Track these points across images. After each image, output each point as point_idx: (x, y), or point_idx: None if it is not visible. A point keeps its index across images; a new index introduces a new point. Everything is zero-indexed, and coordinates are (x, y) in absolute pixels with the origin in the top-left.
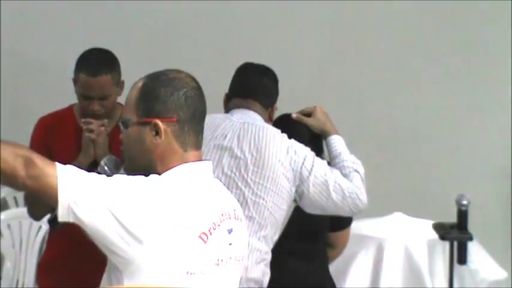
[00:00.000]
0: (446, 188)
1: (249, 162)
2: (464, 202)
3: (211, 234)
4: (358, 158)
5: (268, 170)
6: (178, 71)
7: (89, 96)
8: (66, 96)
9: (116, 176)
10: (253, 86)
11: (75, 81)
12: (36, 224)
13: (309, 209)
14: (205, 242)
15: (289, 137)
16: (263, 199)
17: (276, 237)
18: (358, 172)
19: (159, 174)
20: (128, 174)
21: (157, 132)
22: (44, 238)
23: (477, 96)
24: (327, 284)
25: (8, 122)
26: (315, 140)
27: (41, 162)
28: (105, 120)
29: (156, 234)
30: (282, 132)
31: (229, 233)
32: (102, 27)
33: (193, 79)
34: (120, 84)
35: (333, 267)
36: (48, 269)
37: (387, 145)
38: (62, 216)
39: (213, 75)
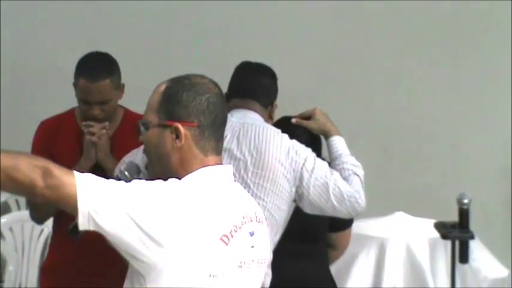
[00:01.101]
0: (448, 187)
1: (248, 163)
2: (466, 201)
3: (232, 236)
4: (359, 158)
5: (268, 170)
6: (202, 76)
7: (88, 101)
8: (66, 99)
9: (134, 181)
10: (252, 86)
11: (75, 85)
12: (38, 227)
13: (308, 210)
14: (226, 244)
15: None
16: (263, 200)
17: (276, 238)
18: (357, 175)
19: (179, 178)
20: (150, 178)
21: (178, 136)
22: (46, 241)
23: (478, 96)
24: (328, 284)
25: (8, 126)
26: (313, 143)
27: (59, 171)
28: (107, 123)
29: (177, 237)
30: None
31: (251, 235)
32: (101, 29)
33: (216, 85)
34: (120, 88)
35: (335, 268)
36: (52, 272)
37: (388, 144)
38: (83, 224)
39: (213, 75)
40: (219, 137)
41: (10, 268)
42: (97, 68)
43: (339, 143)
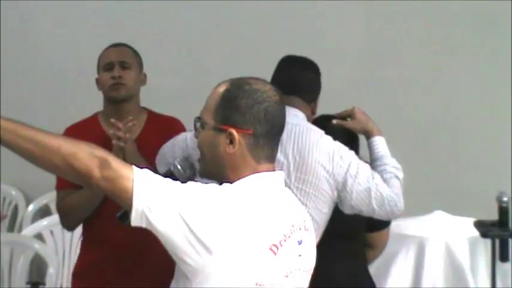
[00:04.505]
0: (487, 185)
1: (291, 167)
2: (505, 199)
3: (281, 246)
4: (398, 156)
5: (310, 175)
6: (264, 82)
7: (110, 62)
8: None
9: (190, 183)
10: (295, 81)
11: (98, 66)
12: (78, 229)
13: (348, 211)
14: (275, 254)
15: None
16: (306, 205)
17: (317, 240)
18: (398, 178)
19: (231, 182)
20: (201, 177)
21: (232, 142)
22: None
23: None
24: (367, 283)
25: None
26: (351, 143)
27: (117, 164)
28: (133, 120)
29: (227, 244)
30: None
31: (299, 244)
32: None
33: (277, 92)
34: (142, 71)
35: (374, 267)
36: (82, 277)
37: (427, 143)
38: (135, 220)
39: (250, 73)
40: (274, 145)
41: (51, 271)
42: (119, 43)
43: (380, 144)
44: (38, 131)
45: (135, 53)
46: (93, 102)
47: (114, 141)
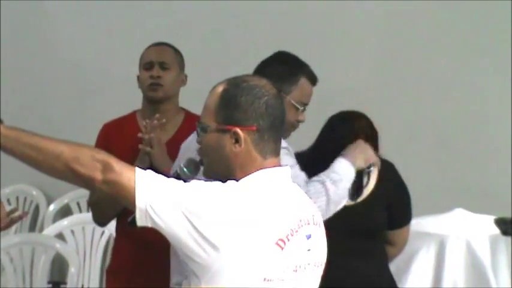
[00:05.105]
0: (508, 182)
1: None
2: None
3: (288, 240)
4: (419, 155)
5: None
6: (259, 78)
7: (150, 62)
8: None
9: (193, 181)
10: None
11: (140, 65)
12: (99, 229)
13: None
14: (282, 248)
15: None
16: None
17: None
18: (322, 183)
19: (237, 181)
20: (206, 179)
21: (237, 140)
22: (107, 243)
23: None
24: (386, 282)
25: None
26: (371, 140)
27: (119, 166)
28: (159, 118)
29: (233, 241)
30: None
31: (308, 238)
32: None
33: (273, 86)
34: (183, 71)
35: (395, 265)
36: (117, 274)
37: (447, 141)
38: (140, 220)
39: None
40: (278, 137)
41: (72, 270)
42: (161, 42)
43: (338, 164)
44: (40, 137)
45: (177, 53)
46: (113, 102)
47: (140, 146)
